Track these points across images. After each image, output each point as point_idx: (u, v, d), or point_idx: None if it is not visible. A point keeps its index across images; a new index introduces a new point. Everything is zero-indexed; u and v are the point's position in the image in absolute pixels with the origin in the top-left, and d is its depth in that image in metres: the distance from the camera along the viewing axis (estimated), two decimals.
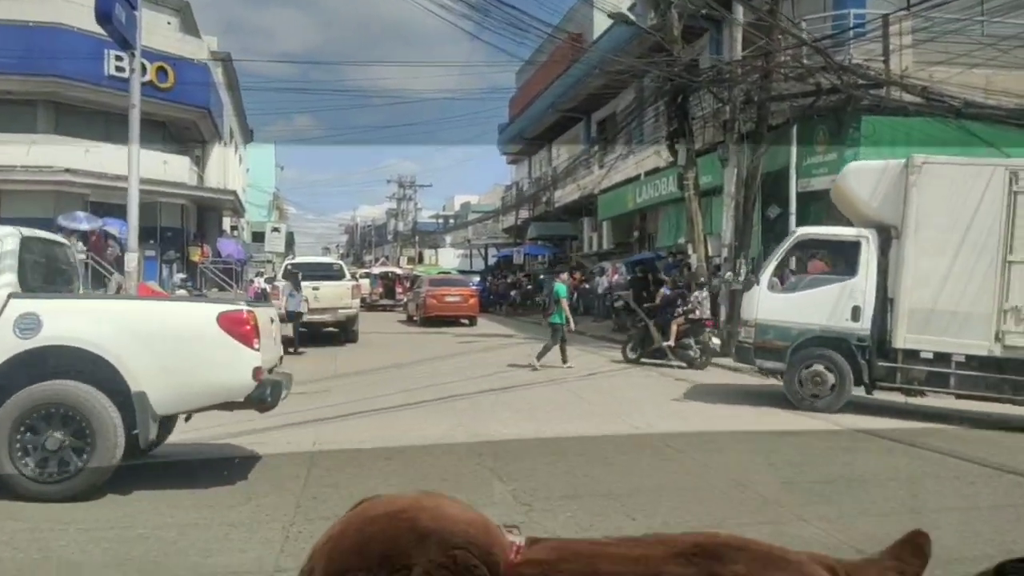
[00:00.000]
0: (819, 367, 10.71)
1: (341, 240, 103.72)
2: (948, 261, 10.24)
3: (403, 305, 31.27)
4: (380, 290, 35.53)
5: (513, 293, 34.42)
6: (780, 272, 11.51)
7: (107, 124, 22.93)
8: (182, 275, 19.88)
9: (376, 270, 40.71)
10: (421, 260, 60.11)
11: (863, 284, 10.66)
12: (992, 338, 9.96)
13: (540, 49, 40.52)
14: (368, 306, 35.07)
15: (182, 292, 18.64)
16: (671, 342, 15.20)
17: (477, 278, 38.05)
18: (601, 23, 32.03)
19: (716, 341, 15.36)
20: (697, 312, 15.47)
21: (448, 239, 63.47)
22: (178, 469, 7.18)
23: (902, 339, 10.33)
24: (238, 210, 28.98)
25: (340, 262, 20.88)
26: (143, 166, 23.62)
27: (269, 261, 33.27)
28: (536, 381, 13.24)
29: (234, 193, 25.48)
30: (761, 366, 11.60)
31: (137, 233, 15.19)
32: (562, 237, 38.76)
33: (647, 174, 25.85)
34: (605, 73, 29.80)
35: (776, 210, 18.05)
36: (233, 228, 33.98)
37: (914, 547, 1.43)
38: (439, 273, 36.42)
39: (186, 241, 24.41)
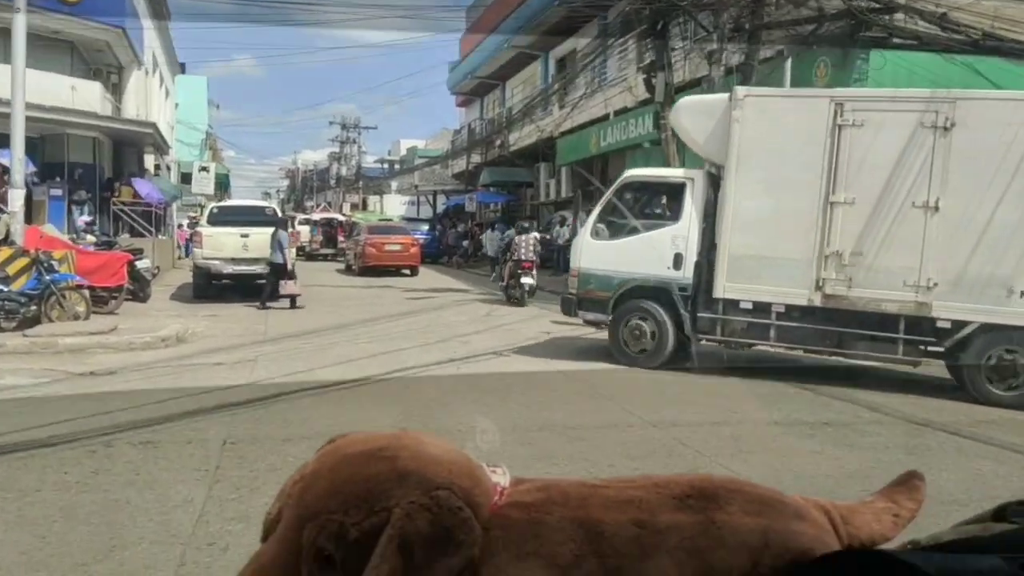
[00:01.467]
0: (637, 320, 10.21)
1: (282, 185, 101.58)
2: (770, 203, 9.60)
3: (344, 254, 30.14)
4: (320, 238, 34.22)
5: (465, 243, 32.34)
6: (609, 218, 10.76)
7: (2, 40, 19.95)
8: (87, 217, 17.35)
9: (316, 216, 39.04)
10: (365, 207, 57.48)
11: (686, 230, 10.03)
12: (812, 286, 9.24)
13: None
14: (308, 255, 34.24)
15: (88, 238, 16.11)
16: (503, 282, 17.67)
17: (426, 227, 35.85)
18: None
19: (528, 280, 16.91)
20: (518, 254, 17.11)
21: (394, 185, 60.74)
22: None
23: (722, 288, 9.68)
24: (161, 147, 26.07)
25: (273, 206, 18.52)
26: (47, 91, 20.78)
27: (199, 205, 30.53)
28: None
29: (153, 126, 22.62)
30: (584, 318, 11.02)
31: (22, 166, 12.71)
32: (517, 184, 36.60)
33: (616, 114, 23.87)
34: (567, 4, 27.67)
35: None
36: (157, 168, 30.98)
37: (909, 488, 1.42)
38: (380, 220, 34.35)
39: (99, 179, 21.64)
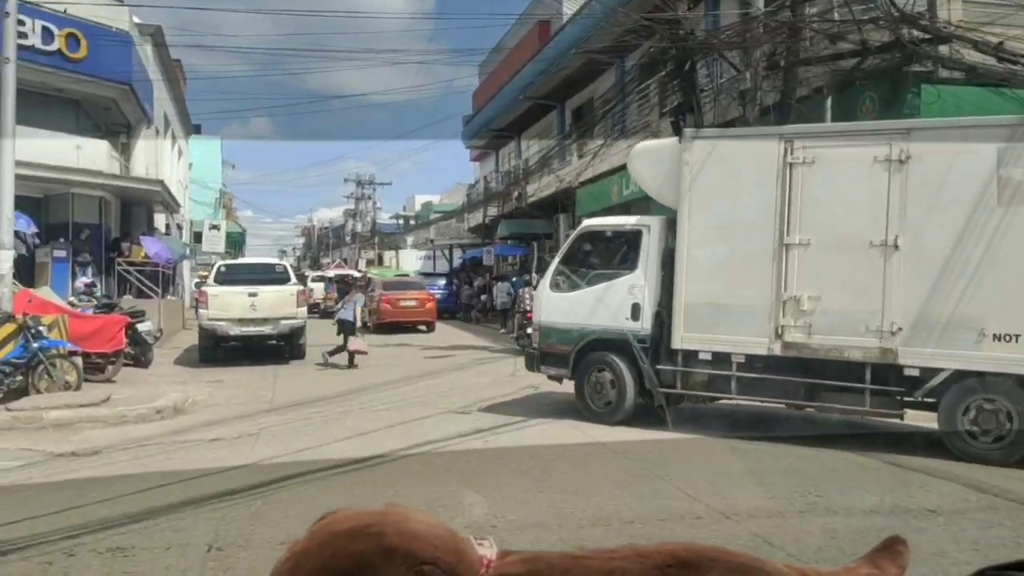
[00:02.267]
0: (597, 373, 9.85)
1: (298, 243, 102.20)
2: (724, 248, 9.29)
3: None
4: (335, 295, 32.86)
5: (484, 298, 31.36)
6: (569, 269, 10.47)
7: None
8: (86, 278, 16.50)
9: (331, 273, 38.62)
10: (381, 262, 56.78)
11: (642, 279, 9.71)
12: (772, 335, 8.74)
13: (505, 39, 38.32)
14: (323, 312, 33.44)
15: (86, 300, 15.22)
16: (514, 333, 18.15)
17: (442, 281, 34.94)
18: (570, 7, 29.82)
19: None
20: (524, 305, 17.40)
21: (409, 240, 60.15)
22: None
23: (680, 339, 9.28)
24: (170, 205, 25.37)
25: (284, 263, 17.67)
26: (51, 151, 20.24)
27: (210, 264, 29.76)
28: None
29: (161, 183, 21.91)
30: (546, 373, 10.65)
31: (10, 225, 11.86)
32: (535, 235, 35.74)
33: None
34: (583, 53, 27.16)
35: None
36: (168, 228, 30.36)
37: (892, 553, 1.44)
38: (395, 276, 33.54)
39: (105, 240, 20.88)
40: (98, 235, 20.76)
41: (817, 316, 8.58)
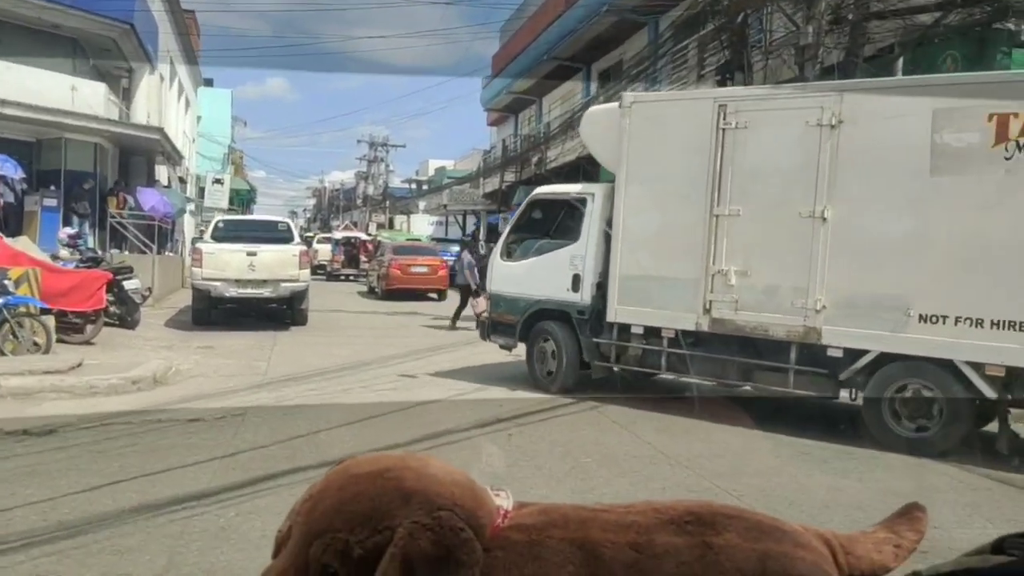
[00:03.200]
0: (542, 343, 9.85)
1: (309, 204, 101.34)
2: (658, 218, 8.96)
3: (367, 275, 28.44)
4: (342, 257, 32.57)
5: None
6: (519, 238, 10.45)
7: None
8: (71, 229, 15.19)
9: (338, 235, 37.27)
10: (392, 226, 55.42)
11: (583, 249, 9.43)
12: (700, 310, 8.37)
13: (525, 5, 36.68)
14: (329, 275, 33.05)
15: (68, 253, 13.93)
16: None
17: (455, 248, 33.65)
18: None
19: None
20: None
21: (421, 205, 58.68)
22: None
23: (614, 312, 9.03)
24: (172, 156, 23.96)
25: (287, 220, 16.32)
26: (43, 91, 18.84)
27: (209, 221, 28.49)
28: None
29: (160, 131, 20.46)
30: (496, 342, 10.69)
31: None
32: None
33: None
34: (614, 11, 25.60)
35: None
36: (178, 180, 28.98)
37: (910, 519, 1.44)
38: (406, 240, 32.20)
39: (99, 189, 19.54)
40: (93, 184, 19.41)
41: (744, 291, 8.16)
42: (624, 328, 9.03)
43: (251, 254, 14.32)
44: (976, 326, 6.89)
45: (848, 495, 5.87)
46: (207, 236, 15.47)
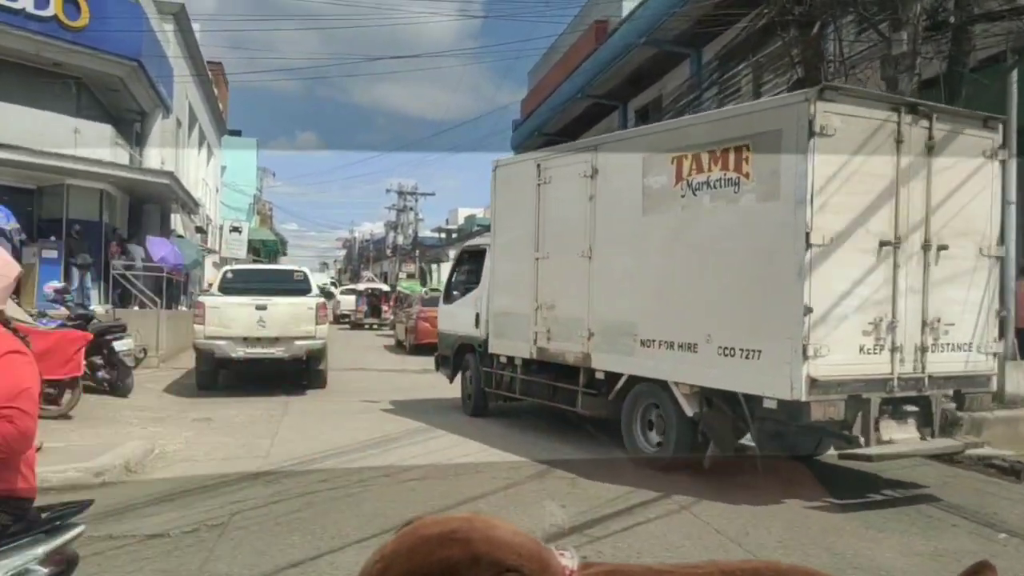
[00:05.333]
0: (464, 373, 11.55)
1: (339, 255, 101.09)
2: (510, 264, 10.29)
3: (390, 324, 29.71)
4: (365, 308, 34.59)
5: None
6: (454, 283, 12.41)
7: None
8: (56, 283, 13.56)
9: (361, 286, 39.38)
10: (423, 275, 53.84)
11: (483, 292, 10.94)
12: (531, 341, 9.66)
13: (557, 42, 35.50)
14: (352, 324, 34.35)
15: (55, 311, 12.24)
16: None
17: None
18: (629, 4, 26.95)
19: None
20: None
21: (451, 253, 57.19)
22: None
23: (490, 344, 10.56)
24: (186, 203, 22.52)
25: (304, 270, 14.59)
26: (43, 133, 17.49)
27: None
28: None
29: (170, 176, 18.96)
30: (443, 373, 12.36)
31: None
32: None
33: None
34: (652, 43, 24.02)
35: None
36: (195, 230, 27.66)
37: None
38: (430, 291, 30.79)
39: (106, 239, 18.05)
40: (96, 234, 17.91)
41: (553, 323, 9.34)
42: (496, 358, 10.51)
43: (261, 308, 12.56)
44: (671, 348, 7.69)
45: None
46: (214, 288, 13.75)
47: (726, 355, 7.07)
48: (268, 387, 13.36)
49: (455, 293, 12.02)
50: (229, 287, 13.43)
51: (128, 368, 11.67)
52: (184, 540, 5.46)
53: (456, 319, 11.68)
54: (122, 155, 19.33)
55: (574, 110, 31.79)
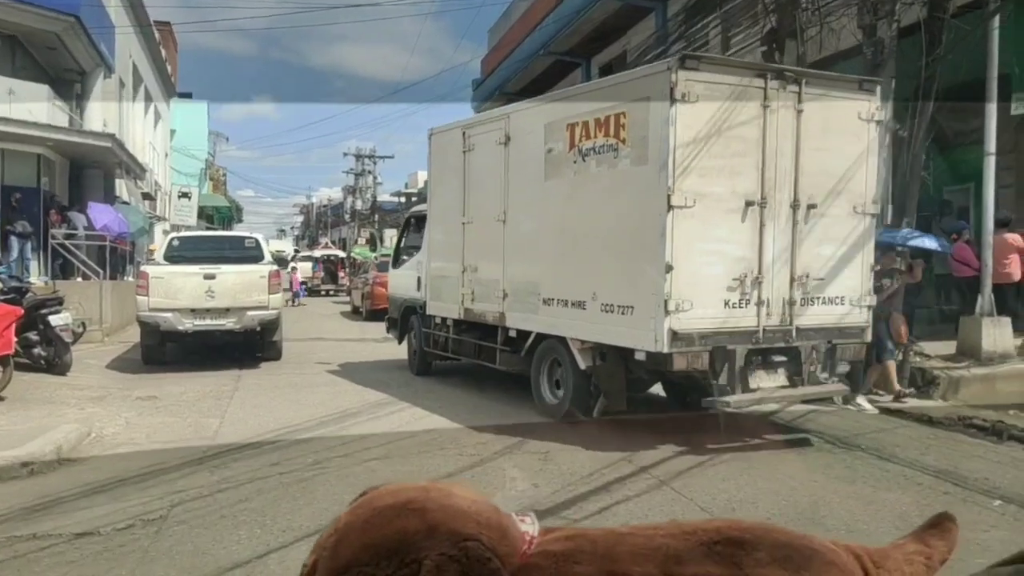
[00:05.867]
0: (410, 334, 12.04)
1: (297, 222, 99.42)
2: (443, 228, 10.69)
3: (346, 291, 29.63)
4: (322, 274, 34.58)
5: None
6: (402, 248, 12.96)
7: None
8: None
9: (317, 253, 39.07)
10: (381, 241, 53.04)
11: (424, 256, 11.29)
12: (460, 302, 10.04)
13: (515, 4, 34.64)
14: (309, 290, 33.80)
15: None
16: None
17: None
18: None
19: None
20: None
21: None
22: None
23: (428, 306, 11.04)
24: (131, 168, 21.43)
25: (256, 236, 13.81)
26: None
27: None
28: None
29: (112, 138, 17.91)
30: (392, 335, 12.94)
31: None
32: None
33: None
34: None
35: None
36: (142, 196, 26.47)
37: (941, 530, 1.42)
38: (381, 255, 30.38)
39: (44, 207, 17.04)
40: (33, 201, 16.92)
41: (476, 285, 9.79)
42: (433, 320, 10.97)
43: (209, 277, 11.83)
44: (566, 306, 8.11)
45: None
46: (158, 256, 12.95)
47: (607, 311, 7.52)
48: (220, 360, 12.69)
49: (403, 258, 12.45)
50: (175, 255, 12.67)
51: (66, 344, 10.91)
52: (116, 539, 4.88)
53: (402, 283, 12.29)
54: (61, 117, 18.26)
55: (536, 68, 31.01)
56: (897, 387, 9.14)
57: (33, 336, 10.70)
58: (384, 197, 64.28)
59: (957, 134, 12.66)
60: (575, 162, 7.94)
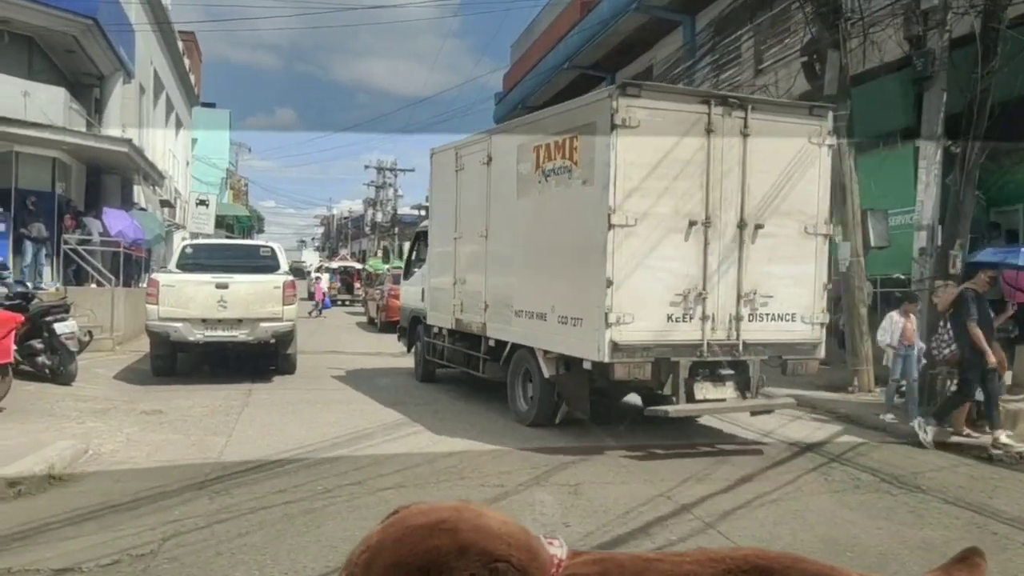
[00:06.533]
0: (417, 344, 12.57)
1: (318, 233, 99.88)
2: (441, 243, 11.21)
3: (362, 302, 30.28)
4: (338, 285, 35.29)
5: None
6: (411, 262, 13.68)
7: None
8: None
9: (335, 265, 40.18)
10: (401, 253, 52.75)
11: (428, 269, 11.94)
12: (452, 313, 10.57)
13: (539, 17, 34.46)
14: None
15: None
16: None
17: None
18: None
19: None
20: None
21: None
22: None
23: (428, 316, 11.66)
24: (149, 174, 21.14)
25: (272, 245, 13.37)
26: None
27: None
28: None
29: (128, 143, 17.58)
30: (403, 343, 13.69)
31: None
32: None
33: None
34: (643, 10, 22.95)
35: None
36: (159, 203, 26.18)
37: (970, 566, 1.42)
38: (394, 268, 30.58)
39: (59, 212, 16.73)
40: (48, 206, 16.60)
41: (464, 297, 10.24)
42: (432, 329, 11.50)
43: (222, 286, 11.38)
44: (532, 318, 8.53)
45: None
46: (171, 264, 12.52)
47: (563, 323, 7.93)
48: (232, 372, 12.25)
49: (413, 271, 13.09)
50: (188, 263, 12.24)
51: (71, 353, 10.48)
52: None
53: (410, 294, 13.09)
54: (78, 121, 17.97)
55: (560, 82, 30.62)
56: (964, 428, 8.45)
57: (37, 344, 10.28)
58: (404, 210, 64.11)
59: (1006, 152, 12.03)
60: (539, 182, 8.43)
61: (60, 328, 10.29)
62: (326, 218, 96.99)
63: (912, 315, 9.29)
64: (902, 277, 11.49)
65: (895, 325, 9.15)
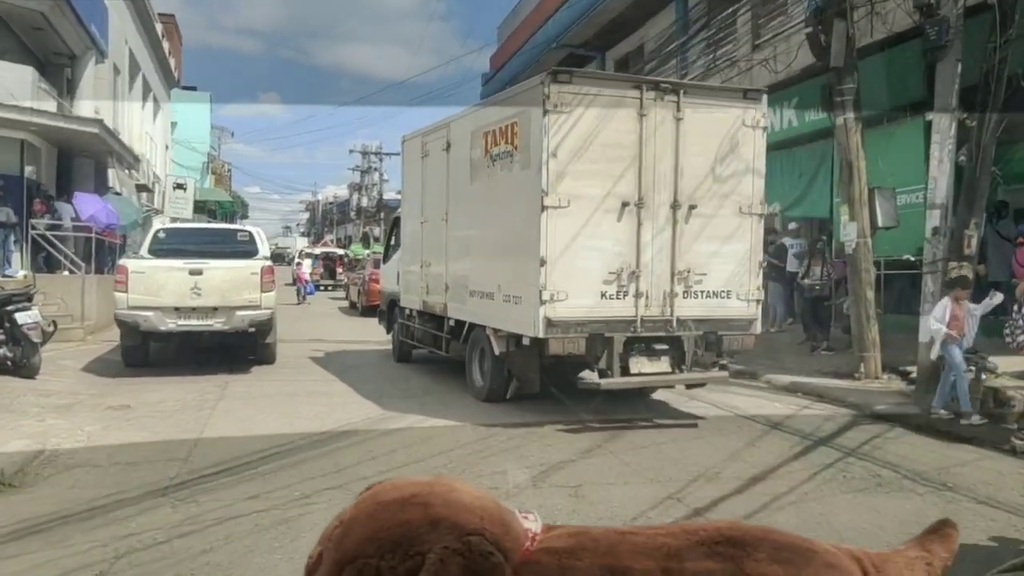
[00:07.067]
0: (393, 326, 12.89)
1: (303, 219, 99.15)
2: (411, 227, 11.58)
3: (343, 287, 30.30)
4: (321, 270, 35.59)
5: None
6: (390, 247, 13.73)
7: None
8: None
9: (317, 251, 40.50)
10: (366, 240, 52.11)
11: (400, 254, 12.20)
12: (420, 295, 10.91)
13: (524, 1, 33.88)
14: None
15: None
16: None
17: None
18: None
19: None
20: None
21: None
22: None
23: (401, 299, 12.00)
24: (123, 157, 20.37)
25: (250, 230, 12.73)
26: None
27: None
28: None
29: (99, 124, 16.83)
30: (382, 326, 13.89)
31: None
32: None
33: None
34: None
35: None
36: (136, 188, 25.36)
37: (942, 537, 1.42)
38: (374, 253, 30.19)
39: (28, 196, 15.99)
40: (17, 189, 15.87)
41: (430, 279, 10.56)
42: (405, 311, 11.84)
43: (195, 273, 10.76)
44: (482, 298, 8.83)
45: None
46: (142, 250, 11.87)
47: (507, 301, 8.27)
48: (208, 363, 11.65)
49: (392, 255, 13.21)
50: (160, 248, 11.59)
51: (34, 344, 9.85)
52: None
53: (388, 278, 13.36)
54: (48, 102, 17.20)
55: (548, 61, 29.82)
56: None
57: None
58: (390, 195, 63.34)
59: (1019, 126, 11.53)
60: (488, 167, 8.76)
61: (22, 318, 9.67)
62: (311, 204, 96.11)
63: (963, 301, 8.58)
64: (911, 259, 11.00)
65: (948, 312, 8.46)
